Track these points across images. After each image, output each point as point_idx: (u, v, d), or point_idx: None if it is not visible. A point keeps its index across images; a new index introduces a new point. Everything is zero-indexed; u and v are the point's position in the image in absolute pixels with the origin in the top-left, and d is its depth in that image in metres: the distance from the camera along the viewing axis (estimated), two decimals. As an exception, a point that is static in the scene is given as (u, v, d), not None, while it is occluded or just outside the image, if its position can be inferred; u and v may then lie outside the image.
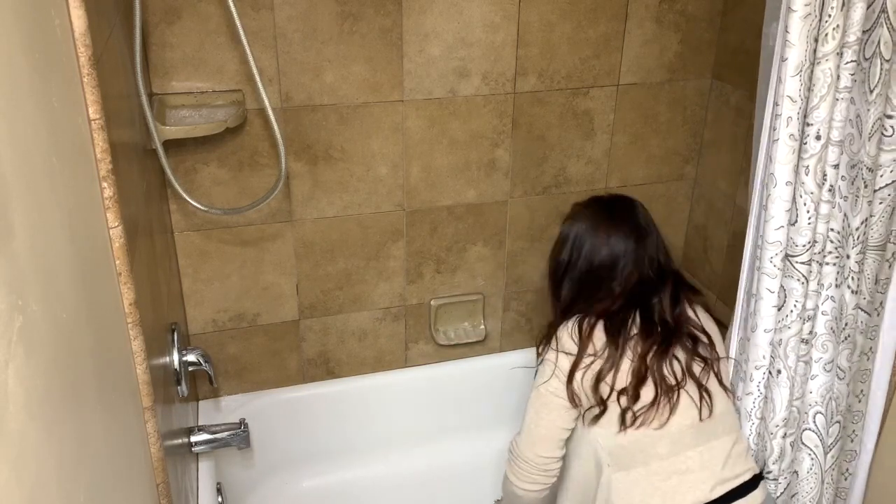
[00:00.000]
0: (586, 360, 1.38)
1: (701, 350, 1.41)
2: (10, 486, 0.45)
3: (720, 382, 1.40)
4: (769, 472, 1.44)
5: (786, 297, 1.34)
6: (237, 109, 1.48)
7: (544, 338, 1.50)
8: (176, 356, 1.39)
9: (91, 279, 0.76)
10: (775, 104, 1.22)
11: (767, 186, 1.27)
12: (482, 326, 1.95)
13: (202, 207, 1.44)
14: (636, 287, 1.46)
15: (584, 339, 1.40)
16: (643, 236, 1.48)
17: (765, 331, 1.35)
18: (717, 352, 1.44)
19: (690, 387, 1.37)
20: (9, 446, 0.46)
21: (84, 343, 0.69)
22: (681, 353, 1.40)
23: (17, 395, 0.48)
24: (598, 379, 1.36)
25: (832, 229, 1.31)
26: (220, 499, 1.57)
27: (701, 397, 1.37)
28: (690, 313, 1.47)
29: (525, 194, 1.83)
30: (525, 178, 1.81)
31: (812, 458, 1.44)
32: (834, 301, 1.35)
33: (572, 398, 1.38)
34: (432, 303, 1.88)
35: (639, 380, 1.36)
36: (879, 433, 1.53)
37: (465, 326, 1.95)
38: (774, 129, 1.23)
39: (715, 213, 1.90)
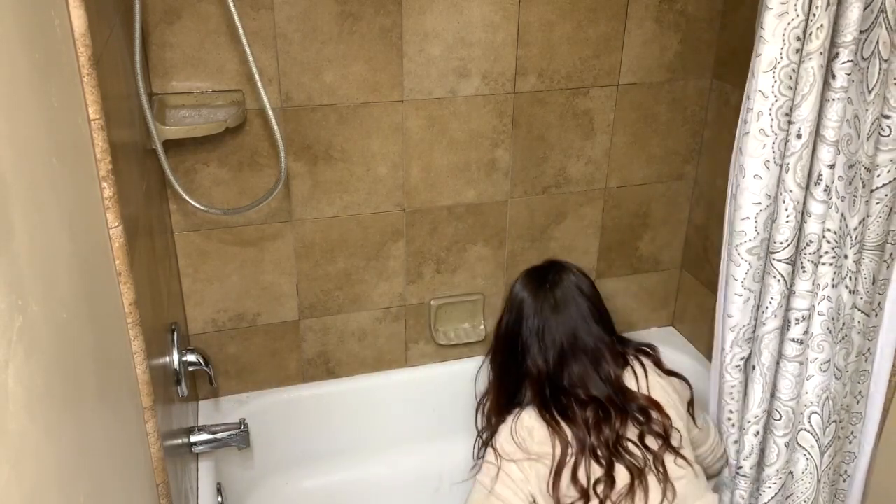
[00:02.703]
0: (546, 459, 1.32)
1: (654, 425, 1.35)
2: (10, 486, 0.45)
3: (676, 453, 1.35)
4: (739, 468, 1.44)
5: (763, 293, 1.34)
6: (237, 109, 1.48)
7: (488, 432, 1.46)
8: (176, 356, 1.39)
9: (91, 279, 0.76)
10: (747, 97, 1.24)
11: (737, 177, 1.29)
12: (482, 326, 1.95)
13: (202, 207, 1.44)
14: (548, 367, 1.40)
15: (556, 433, 1.33)
16: (554, 312, 1.43)
17: (728, 316, 1.37)
18: (669, 419, 1.37)
19: (652, 466, 1.33)
20: (9, 446, 0.46)
21: (84, 343, 0.69)
22: (633, 431, 1.35)
23: (17, 395, 0.48)
24: (575, 470, 1.30)
25: (829, 229, 1.31)
26: (220, 499, 1.57)
27: (664, 476, 1.32)
28: (631, 383, 1.40)
29: (525, 194, 1.83)
30: (525, 178, 1.81)
31: (807, 459, 1.44)
32: (831, 301, 1.35)
33: (556, 495, 1.31)
34: (432, 303, 1.88)
35: (609, 464, 1.31)
36: (878, 435, 1.53)
37: (465, 326, 1.95)
38: (746, 123, 1.25)
39: (715, 213, 1.90)
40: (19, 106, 0.57)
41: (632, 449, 1.33)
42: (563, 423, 1.34)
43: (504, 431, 1.38)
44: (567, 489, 1.31)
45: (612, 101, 1.79)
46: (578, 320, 1.44)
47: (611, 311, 2.10)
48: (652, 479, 1.32)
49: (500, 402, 1.49)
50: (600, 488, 1.30)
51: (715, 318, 1.46)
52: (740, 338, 1.39)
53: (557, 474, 1.30)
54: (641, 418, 1.35)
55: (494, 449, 1.38)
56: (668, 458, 1.34)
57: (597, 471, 1.31)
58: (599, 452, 1.32)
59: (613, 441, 1.32)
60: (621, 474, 1.31)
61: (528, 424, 1.35)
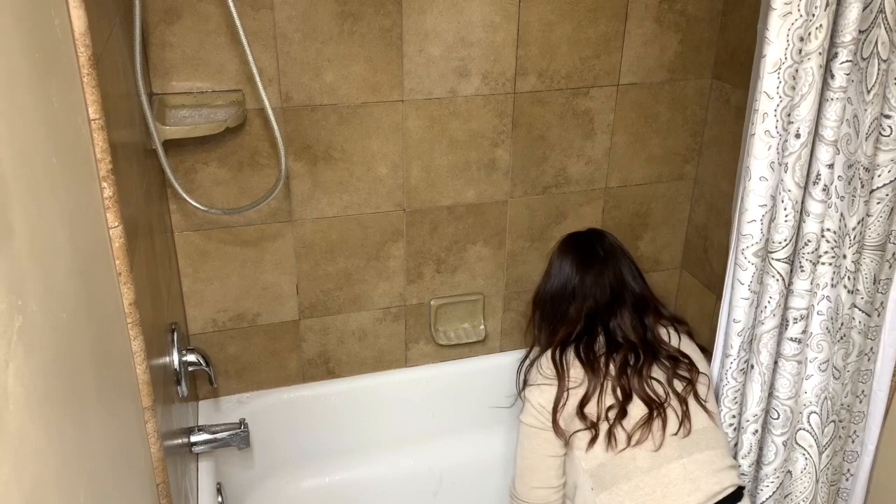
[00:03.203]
0: (566, 390, 1.42)
1: (681, 370, 1.44)
2: (10, 486, 0.45)
3: (699, 401, 1.42)
4: (738, 467, 1.44)
5: (761, 293, 1.34)
6: (237, 109, 1.48)
7: (524, 372, 1.57)
8: (176, 356, 1.39)
9: (91, 279, 0.76)
10: (754, 99, 1.23)
11: (743, 179, 1.28)
12: (482, 326, 1.95)
13: (202, 207, 1.44)
14: (593, 311, 1.53)
15: (560, 371, 1.44)
16: (601, 264, 1.57)
17: (734, 321, 1.37)
18: (697, 371, 1.46)
19: (674, 402, 1.40)
20: (9, 446, 0.46)
21: (84, 343, 0.69)
22: (660, 373, 1.43)
23: (17, 395, 0.48)
24: (583, 404, 1.39)
25: (828, 229, 1.31)
26: (220, 499, 1.57)
27: (684, 413, 1.38)
28: (664, 335, 1.51)
29: (525, 194, 1.83)
30: (525, 178, 1.81)
31: (806, 458, 1.44)
32: (830, 301, 1.35)
33: (557, 428, 1.41)
34: (432, 303, 1.88)
35: (625, 397, 1.39)
36: (881, 434, 1.53)
37: (464, 326, 1.95)
38: (752, 124, 1.24)
39: (715, 213, 1.90)
40: (19, 106, 0.57)
41: (655, 386, 1.41)
42: (578, 363, 1.45)
43: (539, 364, 1.50)
44: (571, 420, 1.40)
45: (612, 101, 1.79)
46: (626, 271, 1.59)
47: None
48: (671, 414, 1.38)
49: (542, 338, 1.61)
50: (612, 413, 1.38)
51: (718, 322, 1.46)
52: (745, 341, 1.39)
53: (557, 401, 1.41)
54: (668, 364, 1.44)
55: (536, 373, 1.49)
56: (691, 402, 1.41)
57: (611, 402, 1.40)
58: (617, 391, 1.40)
59: (638, 382, 1.41)
60: (638, 407, 1.38)
61: (560, 354, 1.47)
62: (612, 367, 1.43)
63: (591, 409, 1.39)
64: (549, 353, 1.49)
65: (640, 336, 1.48)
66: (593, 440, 1.36)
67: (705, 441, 1.37)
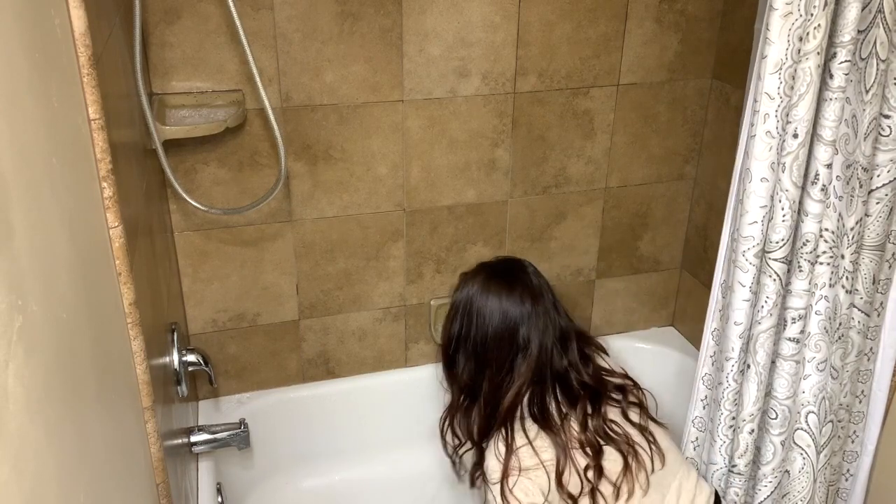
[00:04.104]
0: (548, 473, 1.27)
1: (630, 397, 1.39)
2: (10, 486, 0.45)
3: (653, 419, 1.39)
4: (734, 466, 1.44)
5: (759, 292, 1.34)
6: (237, 109, 1.48)
7: (473, 451, 1.40)
8: (176, 356, 1.39)
9: (91, 279, 0.76)
10: (754, 100, 1.23)
11: (743, 181, 1.28)
12: (482, 326, 1.95)
13: (202, 207, 1.44)
14: (542, 358, 1.36)
15: (534, 450, 1.28)
16: (537, 298, 1.40)
17: (735, 323, 1.36)
18: (638, 386, 1.42)
19: (638, 438, 1.34)
20: (9, 446, 0.46)
21: (84, 343, 0.69)
22: (614, 411, 1.36)
23: (17, 395, 0.48)
24: (560, 476, 1.27)
25: (826, 229, 1.31)
26: (220, 499, 1.57)
27: (651, 444, 1.34)
28: (602, 363, 1.45)
29: (525, 194, 1.83)
30: (525, 178, 1.81)
31: (804, 458, 1.44)
32: (828, 301, 1.35)
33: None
34: (432, 303, 1.88)
35: (595, 453, 1.29)
36: (880, 434, 1.53)
37: (465, 326, 1.95)
38: (752, 125, 1.24)
39: (715, 213, 1.90)
40: (19, 106, 0.57)
41: (617, 430, 1.34)
42: (545, 434, 1.31)
43: (495, 463, 1.30)
44: (556, 499, 1.29)
45: (612, 101, 1.79)
46: (556, 301, 1.44)
47: (611, 311, 2.12)
48: (642, 452, 1.34)
49: (487, 412, 1.40)
50: (591, 474, 1.29)
51: (705, 323, 1.46)
52: (745, 343, 1.38)
53: (548, 490, 1.28)
54: (618, 395, 1.38)
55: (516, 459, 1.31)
56: (651, 425, 1.37)
57: (584, 463, 1.31)
58: (586, 447, 1.30)
59: (603, 432, 1.33)
60: (612, 457, 1.31)
61: (524, 453, 1.30)
62: (570, 421, 1.31)
63: (566, 478, 1.27)
64: (512, 433, 1.30)
65: (590, 374, 1.38)
66: None
67: (676, 463, 1.37)
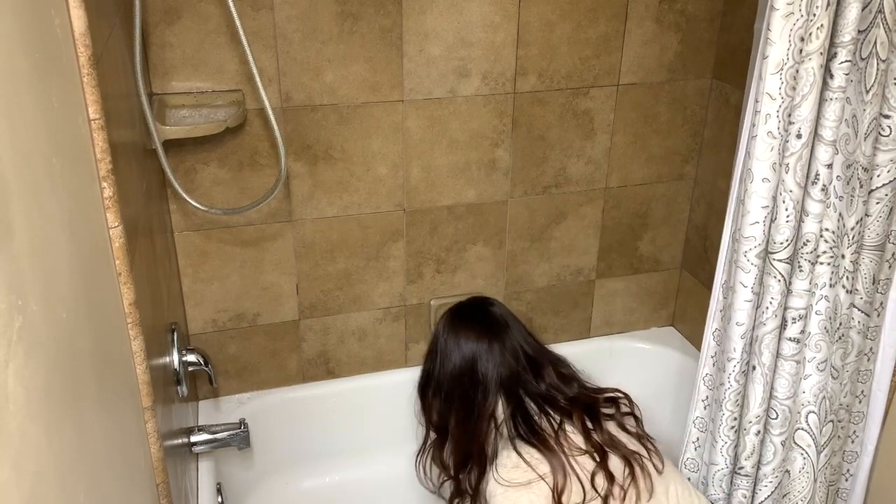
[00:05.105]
0: (551, 488, 1.27)
1: (623, 406, 1.41)
2: (10, 486, 0.45)
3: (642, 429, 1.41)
4: (741, 468, 1.44)
5: (762, 293, 1.34)
6: (237, 109, 1.48)
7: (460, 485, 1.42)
8: (176, 356, 1.39)
9: (91, 279, 0.76)
10: (755, 101, 1.23)
11: (745, 181, 1.28)
12: (482, 326, 1.95)
13: (202, 207, 1.44)
14: (509, 383, 1.40)
15: (534, 465, 1.29)
16: (498, 333, 1.45)
17: (737, 324, 1.36)
18: (628, 398, 1.44)
19: (638, 447, 1.36)
20: (9, 446, 0.46)
21: (84, 343, 0.69)
22: (609, 423, 1.37)
23: (17, 395, 0.48)
24: (560, 493, 1.26)
25: (826, 229, 1.31)
26: (220, 499, 1.57)
27: (650, 451, 1.36)
28: (586, 382, 1.48)
29: (525, 194, 1.83)
30: (525, 178, 1.81)
31: (804, 458, 1.44)
32: (828, 301, 1.35)
33: None
34: (432, 303, 1.88)
35: (602, 457, 1.30)
36: (880, 434, 1.53)
37: (465, 326, 1.95)
38: (754, 126, 1.24)
39: (715, 213, 1.90)
40: (19, 106, 0.57)
41: (617, 438, 1.35)
42: (538, 449, 1.31)
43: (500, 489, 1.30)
44: None
45: (612, 101, 1.79)
46: (526, 333, 1.49)
47: (611, 311, 2.12)
48: (643, 459, 1.35)
49: (459, 447, 1.44)
50: (599, 480, 1.29)
51: (706, 324, 1.46)
52: (747, 344, 1.38)
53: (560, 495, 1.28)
54: (611, 409, 1.39)
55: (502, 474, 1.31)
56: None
57: (591, 468, 1.31)
58: (594, 455, 1.31)
59: (609, 438, 1.34)
60: (615, 463, 1.32)
61: (512, 468, 1.31)
62: (566, 432, 1.32)
63: (568, 487, 1.27)
64: (502, 458, 1.31)
65: (574, 391, 1.41)
66: None
67: (668, 472, 1.37)
